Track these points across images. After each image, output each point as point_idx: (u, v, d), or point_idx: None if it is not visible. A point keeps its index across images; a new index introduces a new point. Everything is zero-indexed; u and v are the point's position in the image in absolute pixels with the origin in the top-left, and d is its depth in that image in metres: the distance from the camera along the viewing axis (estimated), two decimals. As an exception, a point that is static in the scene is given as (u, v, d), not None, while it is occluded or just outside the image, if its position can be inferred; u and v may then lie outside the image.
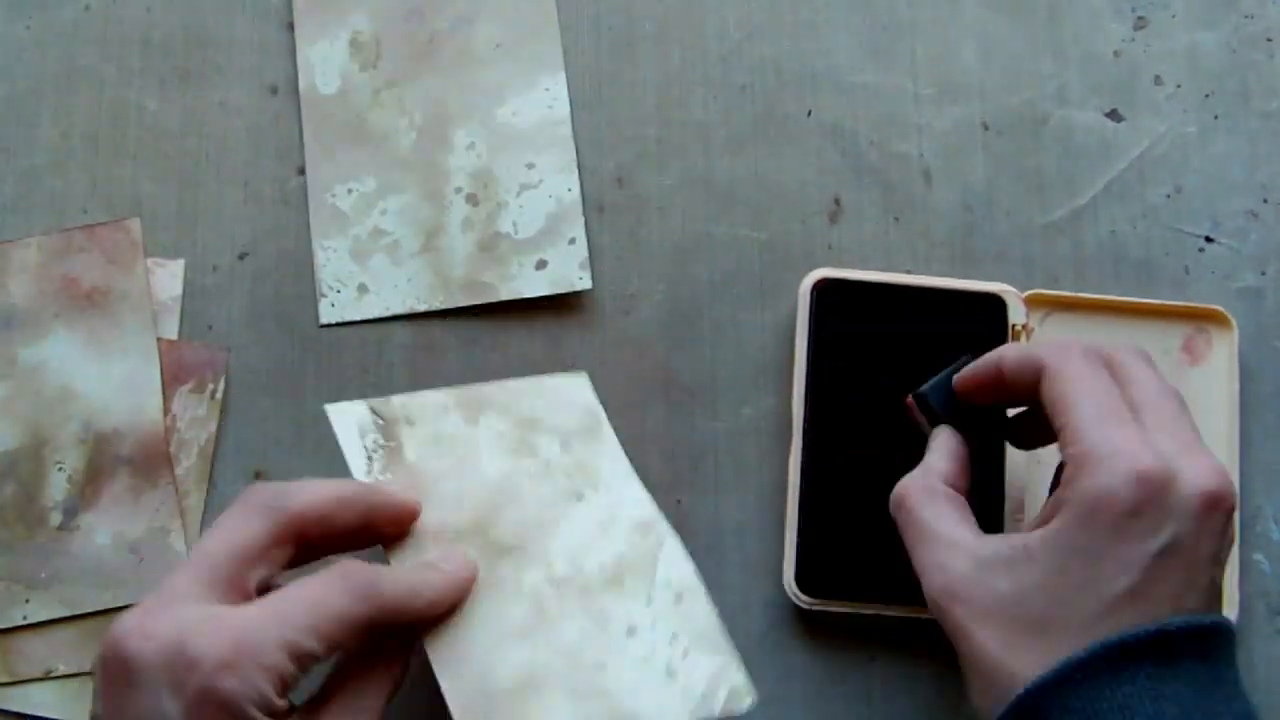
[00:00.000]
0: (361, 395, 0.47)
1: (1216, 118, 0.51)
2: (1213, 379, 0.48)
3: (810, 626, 0.46)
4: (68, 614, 0.45)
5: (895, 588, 0.45)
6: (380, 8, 0.50)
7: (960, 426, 0.43)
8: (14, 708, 0.45)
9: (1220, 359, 0.48)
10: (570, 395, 0.46)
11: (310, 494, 0.38)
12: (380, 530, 0.40)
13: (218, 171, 0.49)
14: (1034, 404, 0.41)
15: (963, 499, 0.41)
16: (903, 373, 0.46)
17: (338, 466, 0.47)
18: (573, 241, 0.48)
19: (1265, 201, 0.50)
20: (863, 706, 0.46)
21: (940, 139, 0.50)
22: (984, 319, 0.47)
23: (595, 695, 0.40)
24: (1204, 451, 0.37)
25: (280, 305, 0.48)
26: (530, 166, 0.49)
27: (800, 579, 0.45)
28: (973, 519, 0.40)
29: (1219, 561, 0.37)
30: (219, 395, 0.47)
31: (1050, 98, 0.51)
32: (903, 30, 0.51)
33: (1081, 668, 0.35)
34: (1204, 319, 0.48)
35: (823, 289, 0.47)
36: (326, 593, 0.36)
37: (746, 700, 0.41)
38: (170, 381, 0.47)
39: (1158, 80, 0.51)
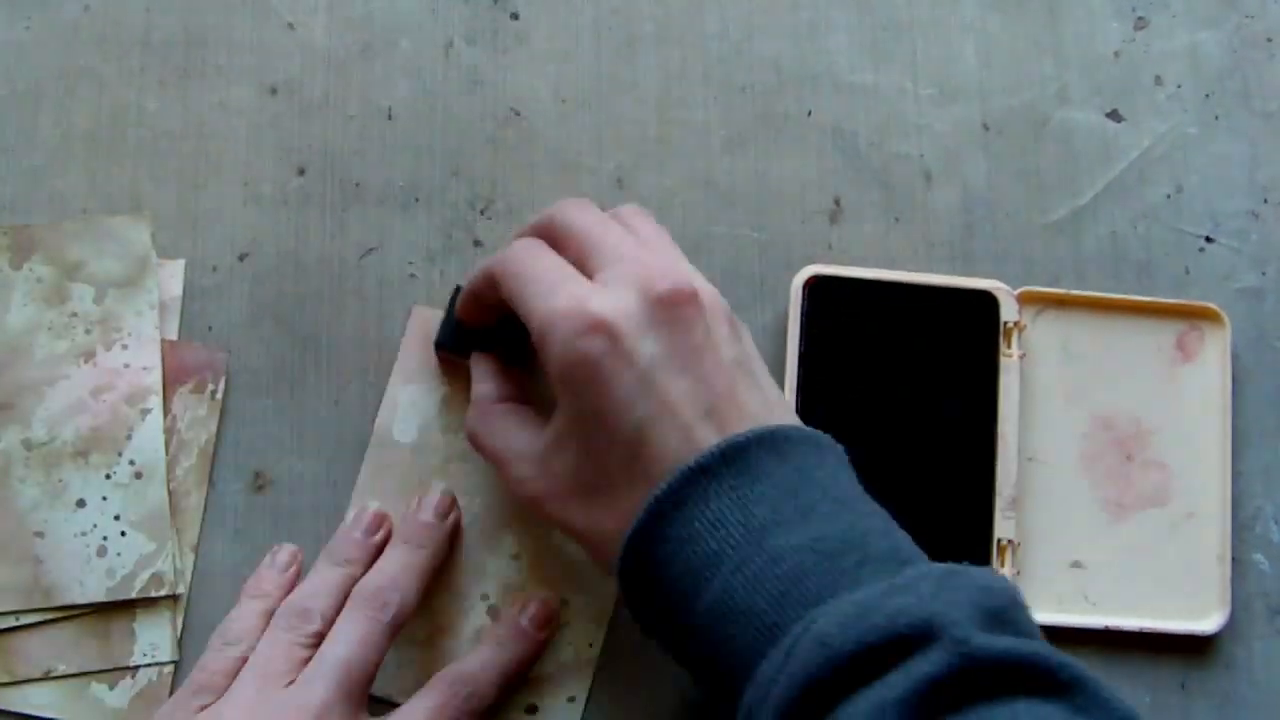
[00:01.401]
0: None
1: (1217, 118, 0.51)
2: (1206, 376, 0.48)
3: (810, 627, 0.47)
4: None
5: None
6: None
7: (488, 347, 0.44)
8: (14, 708, 0.45)
9: (1213, 356, 0.48)
10: (126, 241, 0.47)
11: (411, 596, 0.42)
12: None
13: (218, 171, 0.49)
14: None
15: (513, 404, 0.43)
16: (895, 370, 0.46)
17: (339, 467, 0.47)
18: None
19: (1265, 201, 0.50)
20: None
21: (940, 139, 0.50)
22: (976, 316, 0.47)
23: (26, 561, 0.44)
24: (647, 261, 0.39)
25: (280, 305, 0.48)
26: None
27: None
28: (532, 415, 0.42)
29: (717, 343, 0.38)
30: (219, 395, 0.47)
31: (1050, 98, 0.51)
32: (903, 30, 0.51)
33: (668, 499, 0.36)
34: (1197, 316, 0.48)
35: (814, 286, 0.47)
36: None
37: (164, 589, 0.44)
38: (170, 381, 0.47)
39: (1158, 80, 0.51)
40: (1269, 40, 0.52)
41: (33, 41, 0.50)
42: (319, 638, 0.41)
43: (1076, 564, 0.47)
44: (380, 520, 0.45)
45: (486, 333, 0.45)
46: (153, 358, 0.47)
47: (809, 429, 0.38)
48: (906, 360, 0.46)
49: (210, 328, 0.48)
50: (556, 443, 0.39)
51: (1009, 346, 0.47)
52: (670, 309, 0.37)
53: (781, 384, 0.47)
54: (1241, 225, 0.50)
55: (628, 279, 0.38)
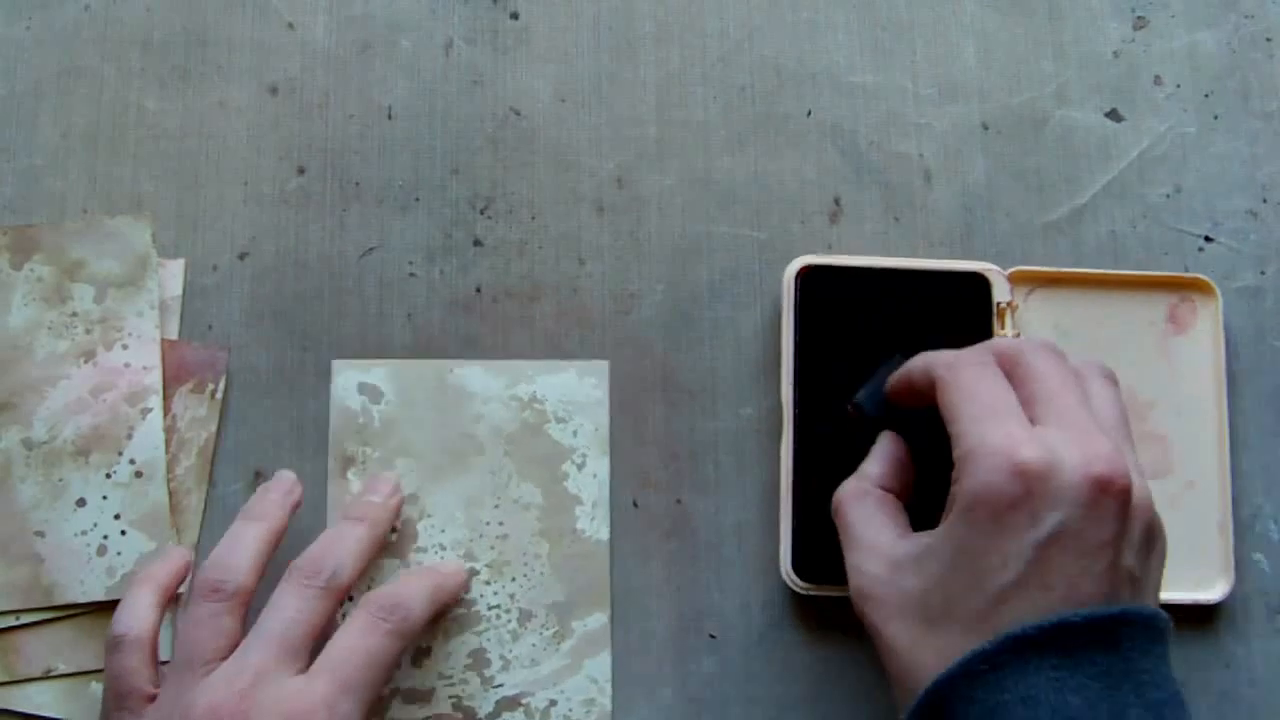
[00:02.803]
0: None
1: (1216, 117, 0.51)
2: (1199, 346, 0.48)
3: (812, 625, 0.47)
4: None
5: None
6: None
7: (900, 426, 0.43)
8: (14, 707, 0.45)
9: (1205, 326, 0.48)
10: (126, 241, 0.47)
11: (349, 565, 0.43)
12: None
13: (218, 171, 0.49)
14: None
15: (894, 498, 0.42)
16: (891, 356, 0.46)
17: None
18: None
19: (1265, 201, 0.50)
20: (864, 704, 0.46)
21: (940, 139, 0.50)
22: (969, 299, 0.47)
23: (26, 560, 0.45)
24: (1096, 437, 0.37)
25: (280, 305, 0.48)
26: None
27: (796, 565, 0.45)
28: (903, 517, 0.41)
29: (1121, 545, 0.36)
30: (219, 395, 0.47)
31: (1050, 98, 0.51)
32: (903, 30, 0.51)
33: (986, 659, 0.35)
34: (1187, 288, 0.49)
35: (807, 276, 0.47)
36: (369, 644, 0.41)
37: None
38: (170, 381, 0.47)
39: (1157, 80, 0.51)
40: (1268, 40, 0.52)
41: (33, 41, 0.50)
42: (243, 598, 0.41)
43: None
44: (293, 483, 0.45)
45: (906, 414, 0.43)
46: (153, 357, 0.47)
47: (1150, 611, 0.37)
48: (902, 346, 0.46)
49: (210, 327, 0.48)
50: (922, 557, 0.38)
51: (1003, 327, 0.47)
52: (1097, 492, 0.36)
53: (778, 375, 0.47)
54: (1240, 225, 0.50)
55: (1068, 444, 0.37)
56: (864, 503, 0.42)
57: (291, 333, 0.48)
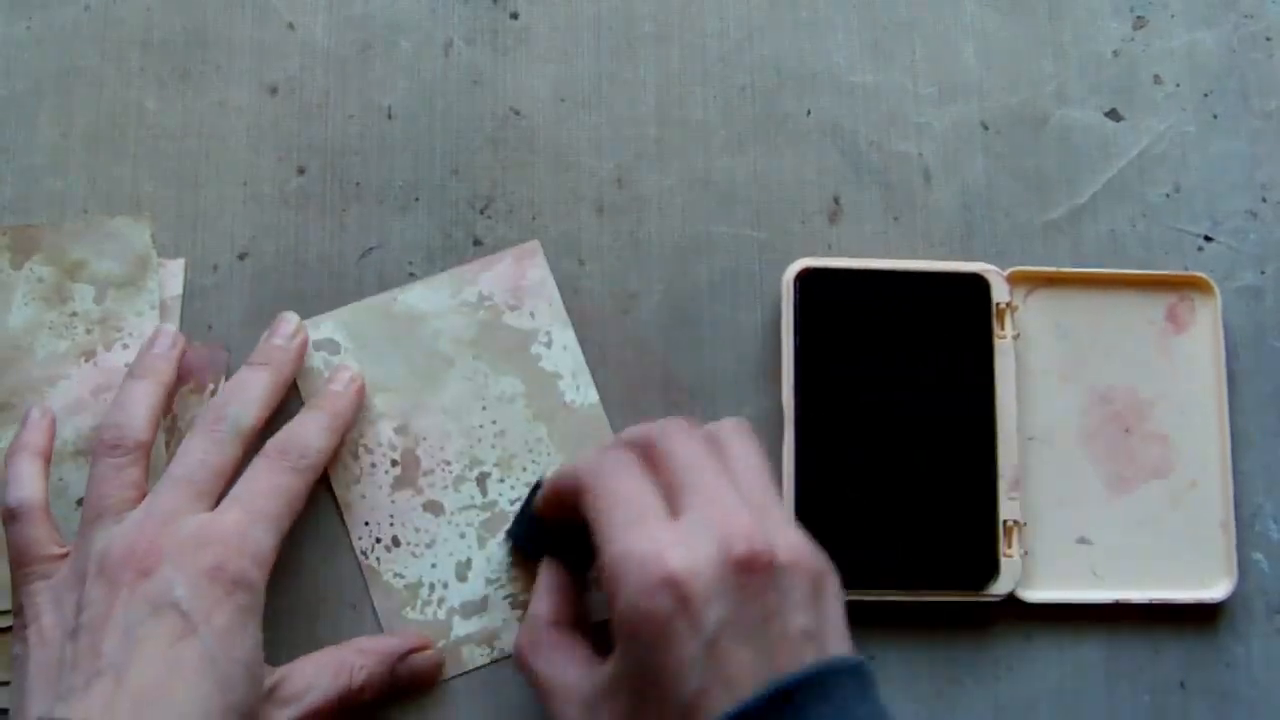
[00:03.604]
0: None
1: (1216, 117, 0.51)
2: (1199, 346, 0.48)
3: (810, 626, 0.47)
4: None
5: (892, 573, 0.45)
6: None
7: (564, 544, 0.43)
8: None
9: (1204, 325, 0.48)
10: (126, 241, 0.47)
11: (252, 409, 0.44)
12: None
13: (218, 171, 0.49)
14: None
15: (569, 630, 0.42)
16: (891, 358, 0.46)
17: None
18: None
19: (1264, 201, 0.50)
20: (863, 706, 0.46)
21: (940, 139, 0.50)
22: (968, 299, 0.47)
23: None
24: (735, 515, 0.37)
25: (280, 305, 0.48)
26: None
27: None
28: (583, 647, 0.41)
29: (785, 611, 0.36)
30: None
31: (1050, 97, 0.51)
32: (903, 30, 0.51)
33: None
34: (1186, 286, 0.49)
35: (806, 279, 0.47)
36: (275, 481, 0.42)
37: None
38: None
39: (1157, 79, 0.51)
40: (1268, 40, 0.52)
41: (33, 41, 0.50)
42: (144, 450, 0.42)
43: (1083, 540, 0.47)
44: (176, 336, 0.46)
45: (562, 531, 0.42)
46: None
47: (852, 660, 0.36)
48: (902, 348, 0.46)
49: (210, 327, 0.48)
50: (608, 688, 0.37)
51: (1002, 328, 0.47)
52: (744, 574, 0.35)
53: (779, 379, 0.47)
54: (1240, 224, 0.50)
55: (709, 529, 0.36)
56: (540, 649, 0.41)
57: (291, 333, 0.48)
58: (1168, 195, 0.50)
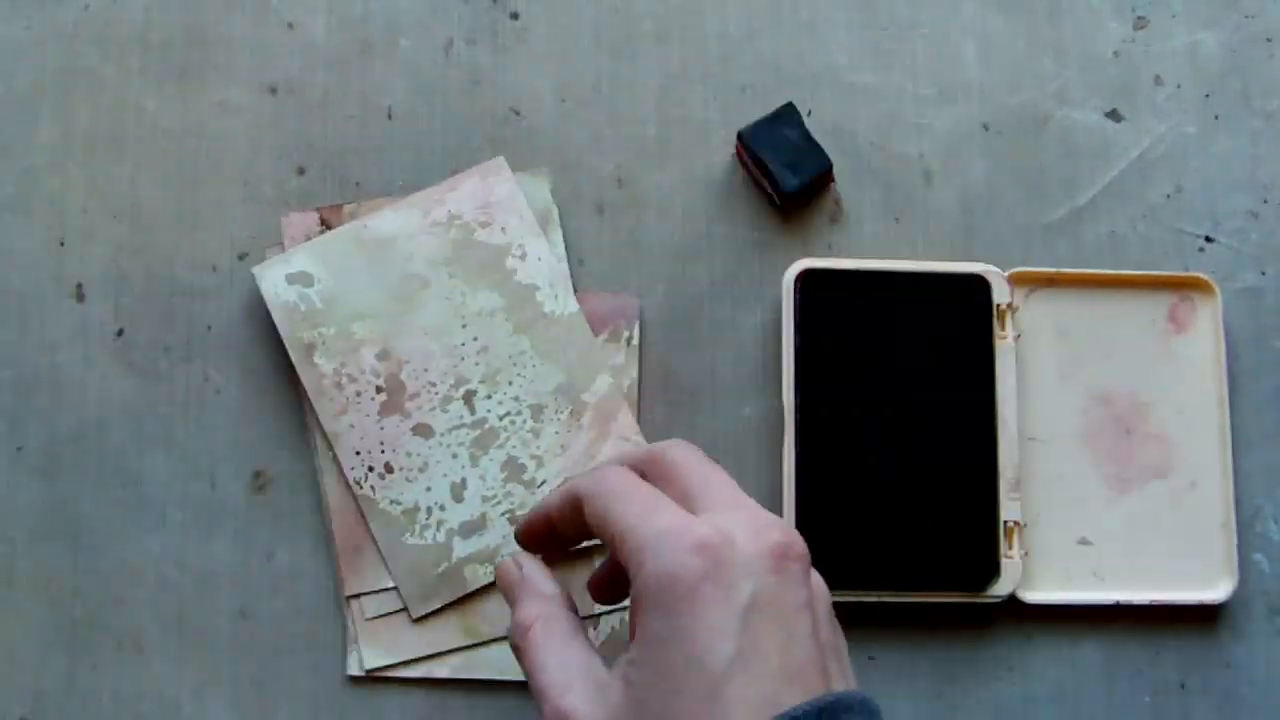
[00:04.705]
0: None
1: (1217, 117, 0.51)
2: (1199, 346, 0.48)
3: (810, 626, 0.46)
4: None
5: (892, 574, 0.45)
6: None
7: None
8: (474, 674, 0.45)
9: (1205, 325, 0.48)
10: (530, 197, 0.48)
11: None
12: None
13: (218, 171, 0.49)
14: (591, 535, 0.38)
15: (574, 615, 0.38)
16: (892, 359, 0.46)
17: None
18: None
19: (1265, 201, 0.50)
20: (863, 706, 0.46)
21: (940, 139, 0.50)
22: (968, 300, 0.47)
23: None
24: (761, 513, 0.35)
25: (280, 305, 0.48)
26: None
27: None
28: (585, 633, 0.38)
29: (816, 611, 0.34)
30: (634, 342, 0.48)
31: (1050, 98, 0.51)
32: (903, 30, 0.51)
33: None
34: (1187, 287, 0.49)
35: (806, 280, 0.47)
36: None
37: None
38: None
39: (1158, 80, 0.51)
40: (1269, 40, 0.52)
41: (33, 41, 0.50)
42: None
43: (1084, 541, 0.47)
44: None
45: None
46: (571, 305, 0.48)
47: (861, 697, 0.35)
48: (902, 349, 0.46)
49: (210, 327, 0.48)
50: (628, 668, 0.34)
51: (1003, 328, 0.47)
52: (779, 559, 0.34)
53: (779, 379, 0.47)
54: (1241, 225, 0.50)
55: (738, 522, 0.34)
56: (553, 628, 0.37)
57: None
58: (1168, 196, 0.50)
